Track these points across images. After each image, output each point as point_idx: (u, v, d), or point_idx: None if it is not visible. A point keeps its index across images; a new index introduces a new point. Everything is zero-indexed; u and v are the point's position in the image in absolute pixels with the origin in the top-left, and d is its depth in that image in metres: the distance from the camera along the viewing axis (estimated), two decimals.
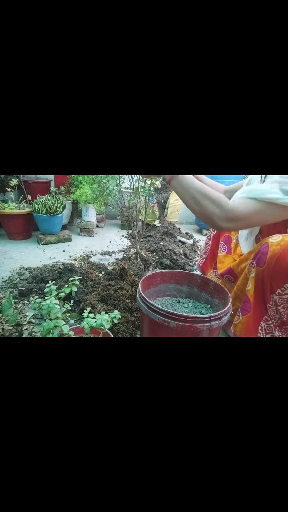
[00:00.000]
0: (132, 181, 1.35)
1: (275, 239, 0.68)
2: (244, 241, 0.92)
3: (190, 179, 0.72)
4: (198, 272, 1.22)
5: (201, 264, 1.19)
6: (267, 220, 0.69)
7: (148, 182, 1.27)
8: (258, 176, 0.82)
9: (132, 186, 1.37)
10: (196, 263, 1.28)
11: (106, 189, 1.22)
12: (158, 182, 1.31)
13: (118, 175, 1.28)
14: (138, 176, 1.35)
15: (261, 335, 0.73)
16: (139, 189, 1.29)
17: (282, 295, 0.66)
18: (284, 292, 0.66)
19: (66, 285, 0.81)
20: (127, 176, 1.40)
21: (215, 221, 0.68)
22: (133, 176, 1.35)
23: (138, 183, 1.31)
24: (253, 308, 0.73)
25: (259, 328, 0.73)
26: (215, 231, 1.11)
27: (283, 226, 0.76)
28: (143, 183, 1.28)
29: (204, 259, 1.17)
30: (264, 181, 0.79)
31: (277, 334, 0.71)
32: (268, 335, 0.72)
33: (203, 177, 0.97)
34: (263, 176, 0.80)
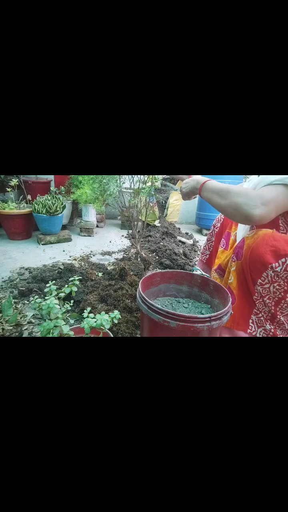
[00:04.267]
0: (133, 181, 1.35)
1: (250, 234, 0.73)
2: (241, 232, 0.94)
3: (215, 182, 0.78)
4: (198, 271, 1.22)
5: (204, 261, 1.21)
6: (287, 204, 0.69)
7: (149, 183, 1.27)
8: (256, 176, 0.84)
9: (132, 186, 1.37)
10: (197, 262, 1.29)
11: (107, 189, 1.22)
12: (158, 182, 1.31)
13: (118, 175, 1.28)
14: (138, 176, 1.35)
15: (253, 328, 0.75)
16: (140, 189, 1.29)
17: (264, 284, 0.69)
18: (265, 282, 0.69)
19: (66, 285, 0.81)
20: (127, 176, 1.40)
21: (244, 209, 0.66)
22: (133, 176, 1.35)
23: (139, 184, 1.31)
24: (237, 300, 0.76)
25: (250, 321, 0.75)
26: (218, 228, 1.12)
27: (274, 223, 0.78)
28: (143, 184, 1.28)
29: (207, 256, 1.19)
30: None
31: (268, 327, 0.73)
32: (260, 328, 0.74)
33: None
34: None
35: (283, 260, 0.65)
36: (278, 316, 0.70)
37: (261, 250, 0.68)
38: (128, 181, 1.39)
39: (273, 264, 0.66)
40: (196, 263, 1.37)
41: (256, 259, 0.68)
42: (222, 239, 1.09)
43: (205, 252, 1.21)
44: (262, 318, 0.73)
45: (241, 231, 0.94)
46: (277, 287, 0.68)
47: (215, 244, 1.15)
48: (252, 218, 0.66)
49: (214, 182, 0.79)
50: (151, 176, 1.23)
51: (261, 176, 0.74)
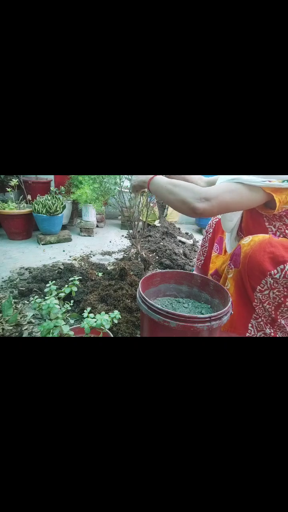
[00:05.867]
0: (123, 181, 1.35)
1: (246, 241, 0.72)
2: (228, 240, 0.95)
3: (162, 177, 0.79)
4: None
5: (200, 266, 1.20)
6: (236, 201, 0.70)
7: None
8: None
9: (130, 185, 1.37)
10: (194, 267, 1.29)
11: (108, 189, 1.22)
12: None
13: (119, 175, 1.28)
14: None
15: (252, 332, 0.75)
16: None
17: (263, 291, 0.69)
18: (264, 288, 0.69)
19: (66, 285, 0.81)
20: (127, 175, 1.40)
21: (189, 203, 0.68)
22: (128, 176, 1.35)
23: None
24: (235, 306, 0.76)
25: (250, 325, 0.75)
26: (210, 233, 1.12)
27: (262, 225, 0.79)
28: None
29: (202, 261, 1.19)
30: None
31: (268, 331, 0.72)
32: (260, 332, 0.74)
33: (187, 176, 1.02)
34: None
35: (282, 267, 0.65)
36: (279, 320, 0.70)
37: (259, 257, 0.67)
38: (128, 181, 1.39)
39: (272, 271, 0.66)
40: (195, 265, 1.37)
41: (255, 266, 0.68)
42: (215, 244, 1.09)
43: (199, 258, 1.21)
44: (262, 323, 0.73)
45: (228, 240, 0.95)
46: (277, 293, 0.68)
47: (209, 249, 1.15)
48: (196, 211, 0.68)
49: (163, 177, 0.80)
50: None
51: (222, 176, 0.75)
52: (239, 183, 0.69)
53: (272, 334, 0.72)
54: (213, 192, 0.68)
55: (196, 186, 0.71)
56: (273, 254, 0.66)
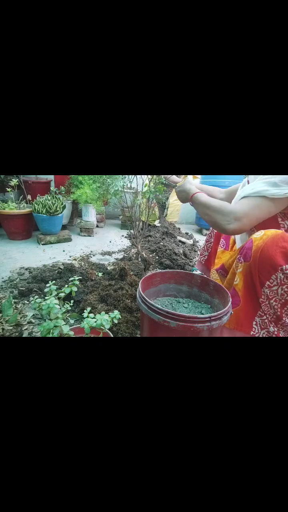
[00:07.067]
0: (131, 181, 1.35)
1: (258, 235, 0.72)
2: (239, 236, 0.94)
3: (201, 196, 0.86)
4: (198, 272, 1.22)
5: (203, 262, 1.20)
6: (264, 214, 0.74)
7: (152, 183, 1.26)
8: (252, 177, 0.85)
9: (130, 186, 1.37)
10: (196, 262, 1.29)
11: (112, 188, 1.22)
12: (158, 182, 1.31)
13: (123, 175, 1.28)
14: (142, 176, 1.35)
15: (256, 330, 0.75)
16: (146, 191, 1.29)
17: (272, 287, 0.69)
18: (273, 284, 0.68)
19: (66, 285, 0.81)
20: (131, 176, 1.40)
21: (220, 225, 0.76)
22: (131, 176, 1.35)
23: (143, 183, 1.31)
24: (242, 302, 0.75)
25: (254, 323, 0.75)
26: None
27: (275, 221, 0.78)
28: (149, 182, 1.28)
29: (206, 257, 1.19)
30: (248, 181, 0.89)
31: (272, 329, 0.72)
32: (264, 330, 0.74)
33: (208, 187, 1.06)
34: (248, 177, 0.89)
35: None
36: (284, 318, 0.70)
37: (271, 252, 0.67)
38: (128, 180, 1.39)
39: (284, 266, 0.65)
40: (196, 263, 1.37)
41: (266, 261, 0.68)
42: (222, 239, 1.09)
43: (203, 253, 1.21)
44: (266, 321, 0.72)
45: (238, 236, 0.95)
46: (286, 289, 0.67)
47: (214, 245, 1.15)
48: (226, 232, 0.77)
49: (200, 196, 0.87)
50: (154, 176, 1.23)
51: (243, 188, 0.78)
52: (263, 197, 0.71)
53: (276, 332, 0.72)
54: (241, 211, 0.72)
55: (226, 207, 0.76)
56: (285, 249, 0.66)
